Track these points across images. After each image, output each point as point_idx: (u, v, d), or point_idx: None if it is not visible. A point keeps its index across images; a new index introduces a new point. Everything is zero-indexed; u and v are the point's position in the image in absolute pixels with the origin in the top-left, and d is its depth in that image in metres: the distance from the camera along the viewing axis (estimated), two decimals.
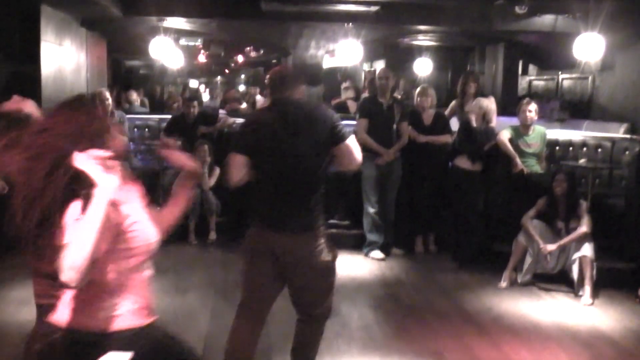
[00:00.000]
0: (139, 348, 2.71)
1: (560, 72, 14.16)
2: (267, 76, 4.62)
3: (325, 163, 4.32)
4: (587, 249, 7.10)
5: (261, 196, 4.32)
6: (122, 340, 2.69)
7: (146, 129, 10.98)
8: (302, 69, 12.17)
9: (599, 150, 9.19)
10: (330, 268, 4.39)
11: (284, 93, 4.37)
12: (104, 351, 2.65)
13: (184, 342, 3.09)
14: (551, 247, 7.19)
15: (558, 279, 7.45)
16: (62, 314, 2.72)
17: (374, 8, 10.83)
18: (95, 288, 2.64)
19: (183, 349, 3.05)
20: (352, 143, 4.28)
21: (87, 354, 2.64)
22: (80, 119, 2.66)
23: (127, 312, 2.73)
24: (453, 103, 9.54)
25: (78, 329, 2.67)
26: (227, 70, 32.21)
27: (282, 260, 4.24)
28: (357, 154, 4.32)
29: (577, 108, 12.77)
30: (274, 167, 4.22)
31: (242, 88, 28.65)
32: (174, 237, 6.76)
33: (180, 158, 3.29)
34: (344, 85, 15.68)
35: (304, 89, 4.48)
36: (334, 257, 4.39)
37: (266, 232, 4.26)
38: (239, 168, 4.19)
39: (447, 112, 9.41)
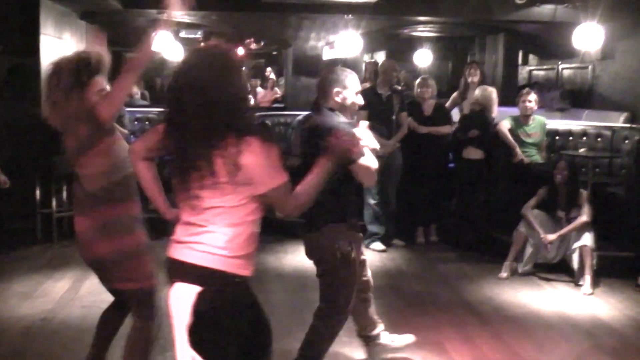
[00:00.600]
0: (215, 292, 2.83)
1: (560, 62, 14.14)
2: None
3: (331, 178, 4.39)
4: (588, 239, 7.10)
5: None
6: (193, 275, 2.84)
7: (147, 122, 10.98)
8: (302, 60, 12.19)
9: (599, 139, 9.17)
10: (331, 266, 4.47)
11: (319, 101, 4.54)
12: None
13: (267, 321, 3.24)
14: (552, 236, 7.19)
15: (558, 268, 7.46)
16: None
17: None
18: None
19: (265, 324, 3.23)
20: (362, 164, 4.25)
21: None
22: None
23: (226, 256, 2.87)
24: (454, 94, 9.54)
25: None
26: None
27: None
28: (367, 175, 4.34)
29: (577, 97, 12.75)
30: None
31: None
32: None
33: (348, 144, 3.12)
34: None
35: (336, 93, 4.49)
36: (340, 256, 4.46)
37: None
38: None
39: (448, 103, 9.41)
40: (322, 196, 4.33)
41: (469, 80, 9.08)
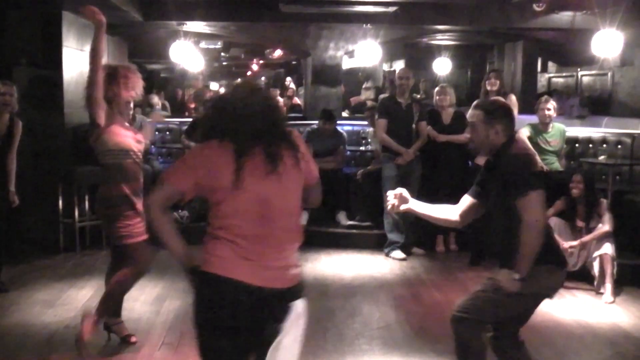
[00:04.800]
0: None
1: (579, 69, 14.14)
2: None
3: None
4: (608, 247, 7.08)
5: None
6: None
7: (167, 132, 11.07)
8: (321, 70, 12.22)
9: (619, 146, 9.13)
10: None
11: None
12: None
13: None
14: (571, 243, 7.17)
15: (579, 276, 7.42)
16: None
17: (392, 8, 10.85)
18: None
19: None
20: None
21: None
22: None
23: None
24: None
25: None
26: (248, 73, 32.26)
27: None
28: None
29: (596, 104, 12.74)
30: None
31: None
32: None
33: None
34: (365, 85, 15.69)
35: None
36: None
37: None
38: None
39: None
40: None
41: (488, 88, 9.07)
